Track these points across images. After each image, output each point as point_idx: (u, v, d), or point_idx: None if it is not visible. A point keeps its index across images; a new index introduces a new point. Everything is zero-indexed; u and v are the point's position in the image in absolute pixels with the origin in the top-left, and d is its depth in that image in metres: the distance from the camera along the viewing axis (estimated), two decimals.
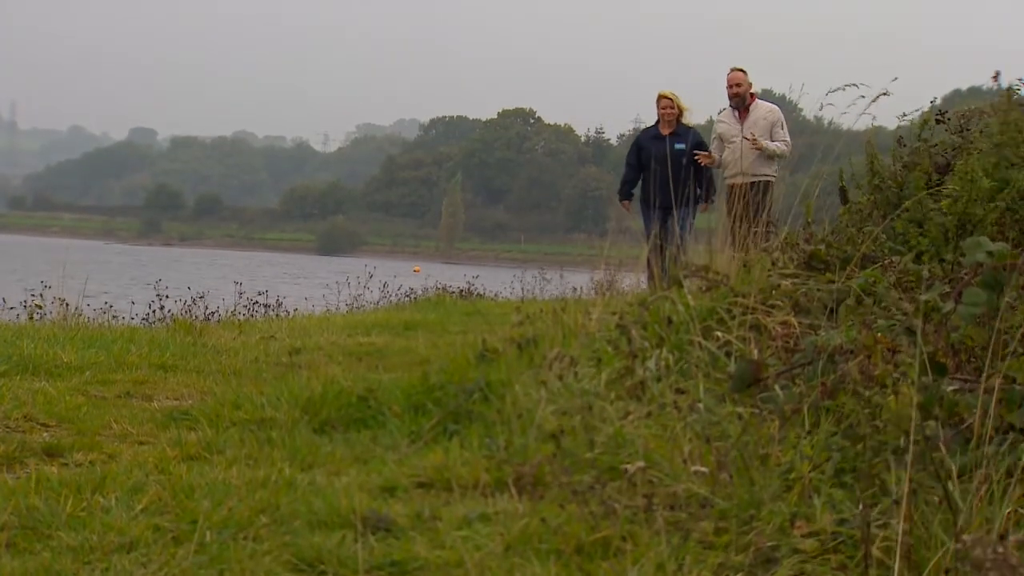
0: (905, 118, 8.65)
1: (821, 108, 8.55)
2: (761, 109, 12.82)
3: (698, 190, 12.99)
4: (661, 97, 13.51)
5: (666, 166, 12.95)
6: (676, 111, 13.35)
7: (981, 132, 7.82)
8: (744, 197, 11.91)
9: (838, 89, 8.26)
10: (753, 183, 12.27)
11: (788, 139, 12.64)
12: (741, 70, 12.89)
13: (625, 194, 13.72)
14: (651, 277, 12.46)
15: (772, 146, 12.46)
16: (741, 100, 12.82)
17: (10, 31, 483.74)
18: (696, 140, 13.26)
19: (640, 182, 13.51)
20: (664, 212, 12.84)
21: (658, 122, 13.52)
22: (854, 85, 8.18)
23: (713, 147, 13.06)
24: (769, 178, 12.48)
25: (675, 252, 11.44)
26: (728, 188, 12.74)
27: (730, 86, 12.87)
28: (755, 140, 12.45)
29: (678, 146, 13.17)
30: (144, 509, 4.35)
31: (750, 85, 12.87)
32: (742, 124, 12.74)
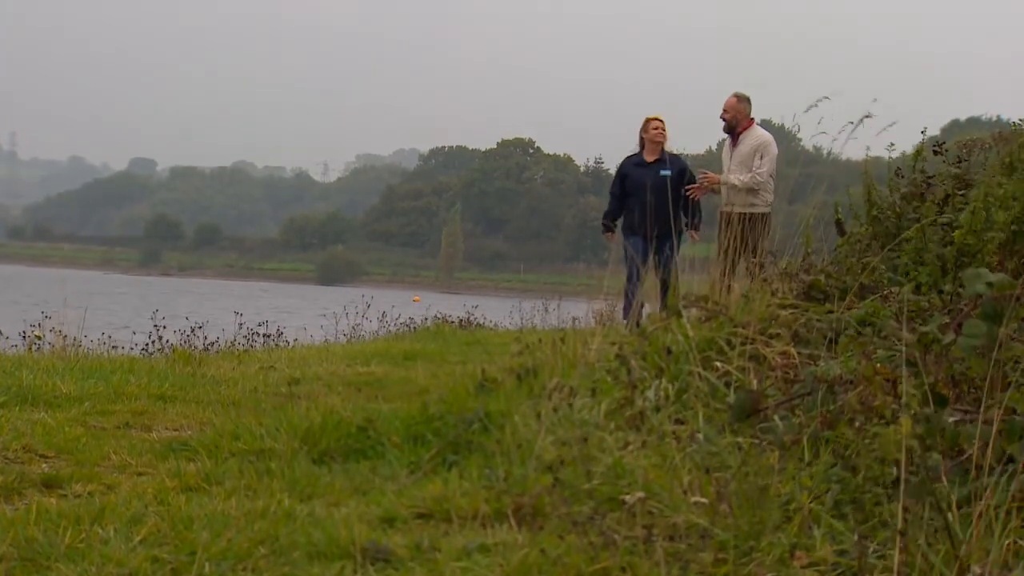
0: (892, 148, 8.66)
1: (798, 129, 8.56)
2: (751, 138, 12.51)
3: (685, 219, 12.78)
4: (651, 120, 13.26)
5: (652, 195, 12.63)
6: (666, 135, 13.13)
7: (984, 166, 7.84)
8: (732, 227, 11.88)
9: (813, 106, 8.29)
10: (742, 214, 12.06)
11: (762, 170, 12.29)
12: (736, 96, 12.65)
13: (608, 225, 13.47)
14: (627, 308, 12.39)
15: (732, 180, 12.24)
16: (729, 127, 12.58)
17: (11, 63, 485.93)
18: (680, 167, 13.03)
19: (624, 211, 13.28)
20: (649, 242, 12.57)
21: (642, 149, 13.28)
22: (826, 98, 8.22)
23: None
24: (757, 209, 12.23)
25: (673, 282, 11.41)
26: (719, 215, 12.56)
27: (723, 111, 12.68)
28: (705, 175, 12.42)
29: (663, 173, 12.88)
30: (143, 540, 4.33)
31: (743, 113, 12.58)
32: (732, 152, 12.55)
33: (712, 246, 12.47)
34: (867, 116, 7.87)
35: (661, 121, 13.20)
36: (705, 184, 12.46)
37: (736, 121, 12.54)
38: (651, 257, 12.49)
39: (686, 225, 12.80)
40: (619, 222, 13.41)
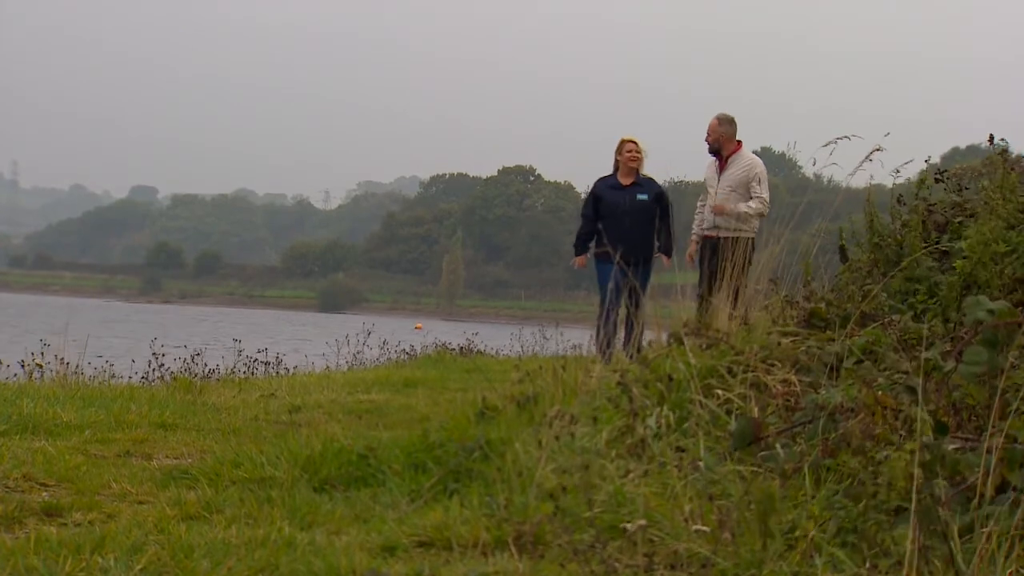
0: (898, 175, 8.64)
1: (815, 163, 8.54)
2: (741, 162, 12.28)
3: (656, 243, 12.52)
4: (626, 142, 12.82)
5: (628, 218, 12.45)
6: (641, 158, 12.74)
7: (980, 193, 7.85)
8: (717, 252, 11.61)
9: (831, 143, 8.27)
10: (728, 238, 11.86)
11: (765, 196, 12.12)
12: (718, 118, 12.38)
13: (582, 249, 12.98)
14: (598, 336, 12.17)
15: (742, 208, 12.00)
16: (714, 150, 12.33)
17: (12, 90, 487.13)
18: (657, 191, 12.71)
19: (597, 235, 12.77)
20: (625, 268, 11.81)
21: (616, 171, 12.87)
22: (847, 138, 8.21)
23: (703, 192, 12.55)
24: (744, 234, 11.96)
25: (640, 316, 11.17)
26: (702, 240, 12.35)
27: (707, 134, 12.41)
28: (721, 207, 12.02)
29: (640, 197, 12.58)
30: (143, 569, 4.32)
31: (728, 135, 12.30)
32: (719, 175, 12.29)
33: (685, 273, 12.33)
34: (878, 149, 7.86)
35: (636, 143, 12.81)
36: (719, 215, 12.06)
37: (720, 144, 12.32)
38: (611, 284, 12.21)
39: (658, 249, 12.54)
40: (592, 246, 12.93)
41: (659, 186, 12.85)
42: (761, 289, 8.47)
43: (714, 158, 12.43)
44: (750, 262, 11.16)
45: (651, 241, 12.42)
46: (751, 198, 12.15)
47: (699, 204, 12.64)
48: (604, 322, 12.05)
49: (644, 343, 9.93)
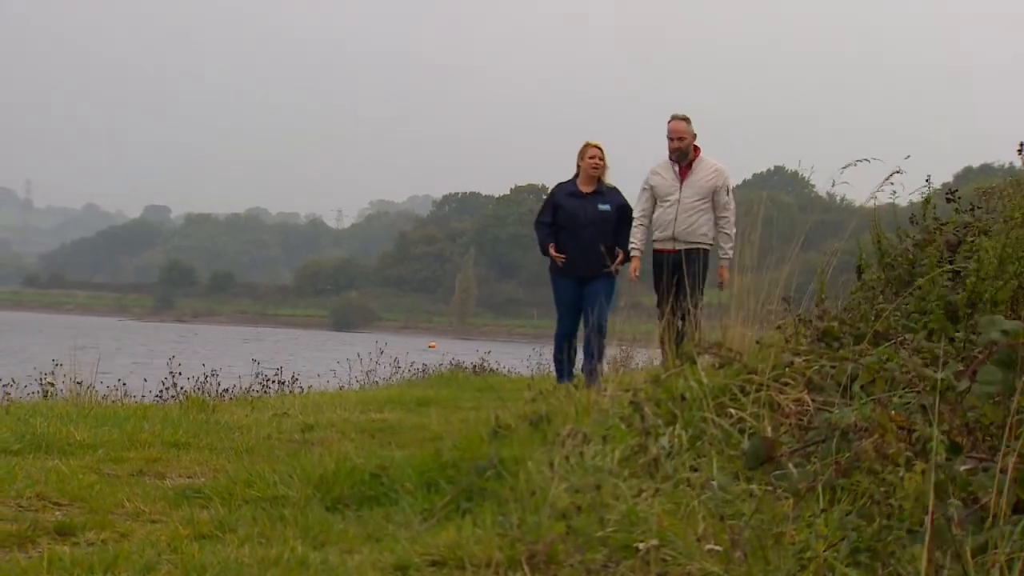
0: (896, 196, 8.59)
1: (834, 185, 8.50)
2: (706, 167, 11.43)
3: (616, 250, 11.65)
4: (588, 147, 11.90)
5: (588, 230, 11.68)
6: (604, 165, 11.86)
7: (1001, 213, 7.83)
8: (673, 266, 11.10)
9: (850, 165, 8.24)
10: (688, 251, 11.20)
11: (732, 206, 11.29)
12: (684, 119, 11.50)
13: (547, 250, 12.18)
14: (559, 368, 12.04)
15: (726, 256, 11.18)
16: (683, 155, 11.44)
17: (25, 110, 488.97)
18: (619, 202, 11.86)
19: (556, 244, 12.04)
20: (582, 283, 11.83)
21: (576, 177, 12.02)
22: (866, 160, 8.17)
23: (643, 199, 11.66)
24: (707, 246, 11.31)
25: (598, 338, 11.02)
26: (655, 253, 11.58)
27: (671, 139, 11.47)
28: (722, 278, 11.09)
29: (602, 207, 11.76)
30: None
31: (694, 137, 11.49)
32: (682, 182, 11.44)
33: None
34: (897, 172, 7.83)
35: (599, 148, 11.90)
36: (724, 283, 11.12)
37: (688, 148, 11.49)
38: (568, 303, 12.07)
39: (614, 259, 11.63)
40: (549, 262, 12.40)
41: (622, 196, 11.98)
42: (773, 308, 8.43)
43: (673, 164, 11.58)
44: (701, 276, 10.91)
45: (612, 253, 11.61)
46: (719, 211, 11.39)
47: (640, 213, 11.74)
48: (560, 342, 11.96)
49: (629, 363, 9.88)
